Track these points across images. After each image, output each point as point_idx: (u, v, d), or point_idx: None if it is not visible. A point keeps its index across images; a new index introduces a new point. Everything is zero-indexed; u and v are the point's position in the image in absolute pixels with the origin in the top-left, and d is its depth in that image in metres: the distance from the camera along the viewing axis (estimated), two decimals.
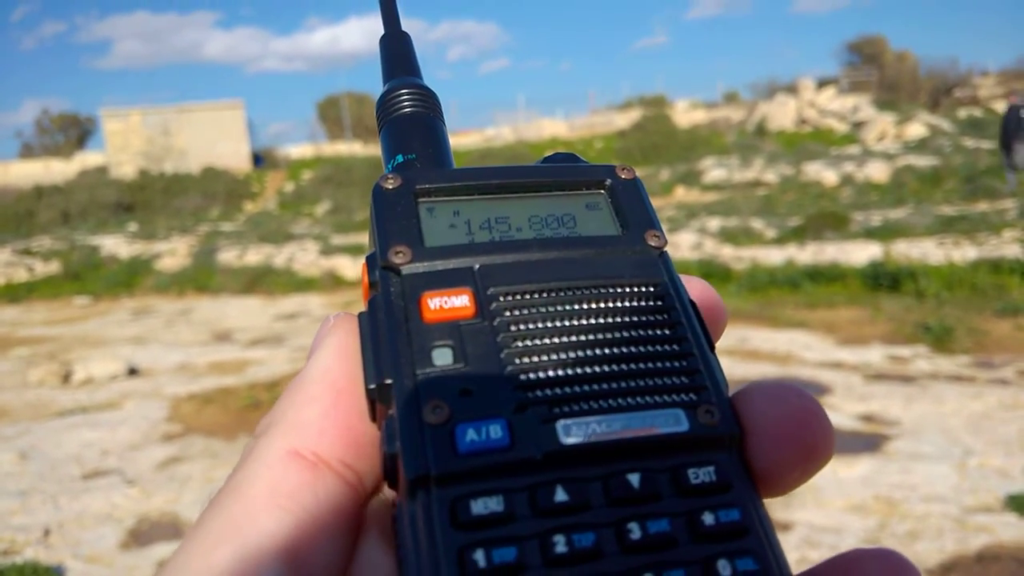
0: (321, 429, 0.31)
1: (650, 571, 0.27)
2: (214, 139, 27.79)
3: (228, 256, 12.27)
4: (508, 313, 0.32)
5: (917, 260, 7.61)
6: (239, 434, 4.54)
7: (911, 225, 9.52)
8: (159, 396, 5.50)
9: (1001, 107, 23.43)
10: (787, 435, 0.30)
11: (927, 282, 6.89)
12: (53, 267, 13.08)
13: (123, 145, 27.28)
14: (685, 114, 29.62)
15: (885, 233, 9.14)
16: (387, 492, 0.32)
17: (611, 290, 0.34)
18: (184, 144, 27.57)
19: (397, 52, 0.46)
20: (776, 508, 3.13)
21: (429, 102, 0.44)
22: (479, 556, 0.27)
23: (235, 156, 27.90)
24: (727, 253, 9.04)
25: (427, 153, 0.42)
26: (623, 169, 0.39)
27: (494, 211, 0.37)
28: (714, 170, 18.98)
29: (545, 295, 0.33)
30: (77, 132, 36.93)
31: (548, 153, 0.42)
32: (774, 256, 8.62)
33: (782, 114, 27.02)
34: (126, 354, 6.91)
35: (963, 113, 24.09)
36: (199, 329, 8.33)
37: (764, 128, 26.53)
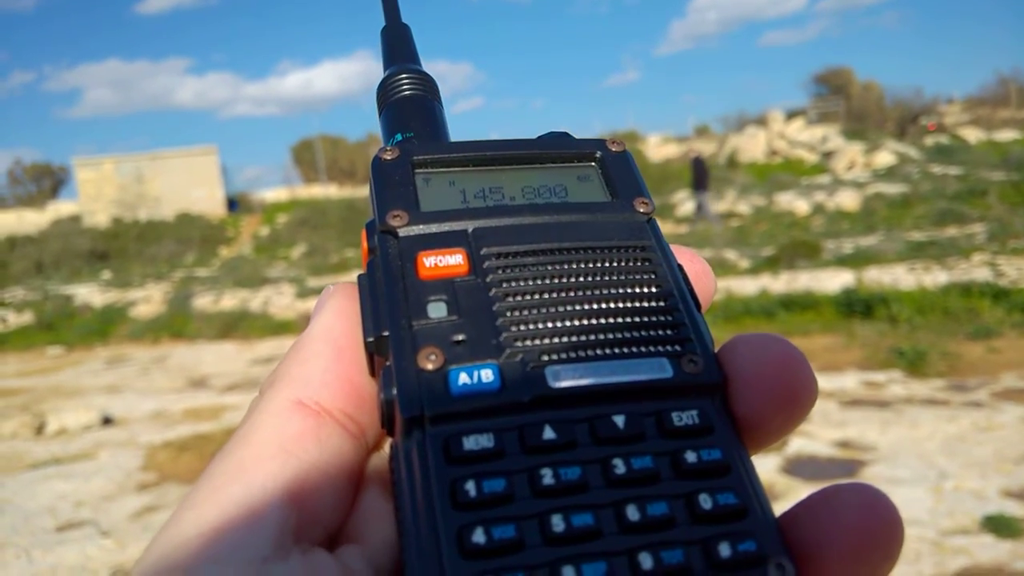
0: (324, 382, 0.33)
1: (633, 503, 0.28)
2: (188, 185, 27.69)
3: (203, 302, 12.17)
4: (501, 271, 0.34)
5: (889, 286, 7.69)
6: None
7: (882, 252, 9.63)
8: (134, 445, 5.42)
9: (968, 134, 23.95)
10: (769, 381, 0.31)
11: (899, 307, 6.96)
12: (26, 318, 12.90)
13: (96, 194, 27.13)
14: (657, 148, 29.94)
15: (857, 260, 9.23)
16: (387, 448, 0.33)
17: (600, 251, 0.35)
18: (158, 191, 27.45)
19: (397, 41, 0.48)
20: None
21: (427, 85, 0.45)
22: (470, 486, 0.28)
23: (210, 201, 27.80)
24: None
25: (425, 132, 0.43)
26: (613, 143, 0.40)
27: (488, 181, 0.38)
28: (687, 203, 19.16)
29: (536, 255, 0.34)
30: (50, 182, 36.70)
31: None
32: (748, 286, 8.68)
33: (753, 146, 27.40)
34: (100, 403, 6.81)
35: (930, 141, 24.52)
36: (174, 376, 8.24)
37: (735, 160, 26.86)
